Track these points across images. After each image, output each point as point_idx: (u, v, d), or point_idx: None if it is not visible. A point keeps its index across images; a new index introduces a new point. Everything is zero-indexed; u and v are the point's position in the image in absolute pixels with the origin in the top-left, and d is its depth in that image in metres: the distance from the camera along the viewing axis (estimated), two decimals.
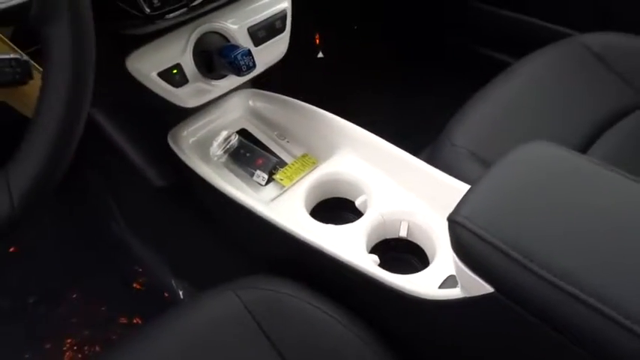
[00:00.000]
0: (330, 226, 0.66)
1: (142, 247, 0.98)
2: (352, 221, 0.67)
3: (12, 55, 0.42)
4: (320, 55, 1.34)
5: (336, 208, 0.73)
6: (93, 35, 0.40)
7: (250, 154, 0.76)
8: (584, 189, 0.41)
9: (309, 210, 0.70)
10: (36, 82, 0.45)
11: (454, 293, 0.48)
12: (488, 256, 0.39)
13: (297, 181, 0.72)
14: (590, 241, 0.37)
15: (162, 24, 0.63)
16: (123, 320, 0.95)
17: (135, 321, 0.95)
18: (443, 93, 1.19)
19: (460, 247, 0.41)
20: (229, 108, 0.81)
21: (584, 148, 0.73)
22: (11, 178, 0.37)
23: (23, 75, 0.42)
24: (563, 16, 1.03)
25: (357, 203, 0.69)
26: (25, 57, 0.43)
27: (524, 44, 0.91)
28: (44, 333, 0.94)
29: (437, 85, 1.26)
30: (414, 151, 0.71)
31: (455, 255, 0.42)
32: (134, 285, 1.00)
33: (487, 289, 0.40)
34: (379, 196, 0.68)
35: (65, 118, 0.38)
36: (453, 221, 0.41)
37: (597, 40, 0.83)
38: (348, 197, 0.72)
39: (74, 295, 0.98)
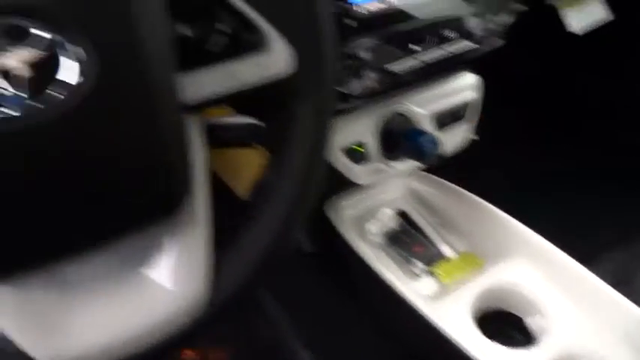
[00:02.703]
0: (499, 346, 0.59)
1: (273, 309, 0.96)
2: (522, 343, 0.59)
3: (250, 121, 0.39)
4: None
5: (497, 321, 0.65)
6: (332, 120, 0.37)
7: (409, 239, 0.72)
8: None
9: (476, 320, 0.63)
10: (251, 157, 0.44)
11: None
12: None
13: (459, 282, 0.66)
14: None
15: (354, 102, 0.62)
16: None
17: None
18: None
19: None
20: (391, 186, 0.78)
21: None
22: (224, 267, 0.33)
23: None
24: None
25: (531, 323, 0.61)
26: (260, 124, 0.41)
27: None
28: None
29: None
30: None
31: None
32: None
33: None
34: (559, 321, 0.59)
35: (294, 211, 0.35)
36: None
37: None
38: (515, 312, 0.64)
39: None
